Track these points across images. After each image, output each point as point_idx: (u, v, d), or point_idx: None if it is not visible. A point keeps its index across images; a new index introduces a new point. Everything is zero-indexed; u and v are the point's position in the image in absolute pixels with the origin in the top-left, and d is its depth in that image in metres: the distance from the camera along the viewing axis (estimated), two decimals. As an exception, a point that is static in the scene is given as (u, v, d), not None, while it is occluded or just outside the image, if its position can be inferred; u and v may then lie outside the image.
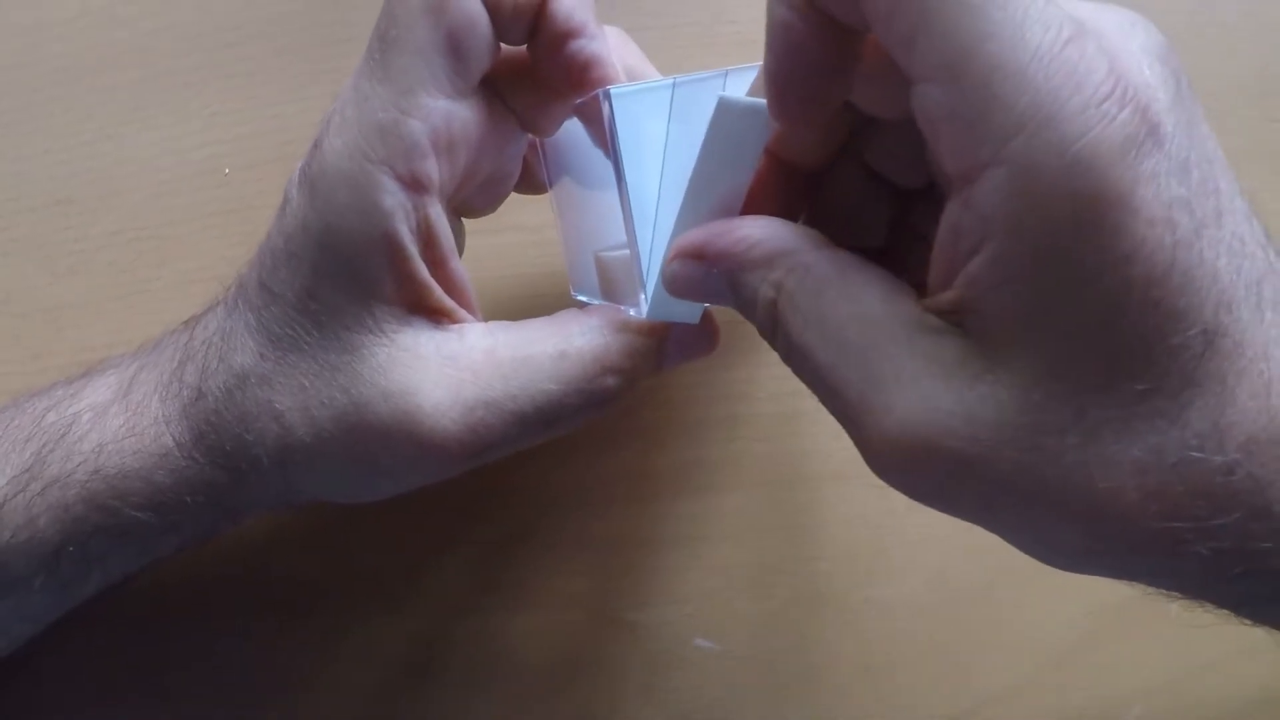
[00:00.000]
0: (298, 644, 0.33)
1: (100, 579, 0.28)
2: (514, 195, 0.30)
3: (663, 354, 0.27)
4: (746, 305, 0.22)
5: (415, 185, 0.24)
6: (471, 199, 0.28)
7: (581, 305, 0.28)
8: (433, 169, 0.24)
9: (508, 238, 0.34)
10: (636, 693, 0.33)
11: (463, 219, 0.29)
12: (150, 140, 0.35)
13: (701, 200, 0.23)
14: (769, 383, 0.34)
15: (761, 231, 0.22)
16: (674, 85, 0.24)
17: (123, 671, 0.33)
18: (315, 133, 0.25)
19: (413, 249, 0.24)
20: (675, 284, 0.23)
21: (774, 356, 0.22)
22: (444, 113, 0.24)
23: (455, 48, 0.23)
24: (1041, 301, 0.17)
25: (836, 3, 0.19)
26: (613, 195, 0.25)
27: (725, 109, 0.21)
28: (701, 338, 0.28)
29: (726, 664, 0.33)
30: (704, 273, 0.22)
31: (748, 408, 0.34)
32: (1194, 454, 0.17)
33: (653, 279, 0.25)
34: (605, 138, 0.25)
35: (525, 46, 0.25)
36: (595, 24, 0.25)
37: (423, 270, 0.24)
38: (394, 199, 0.23)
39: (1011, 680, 0.33)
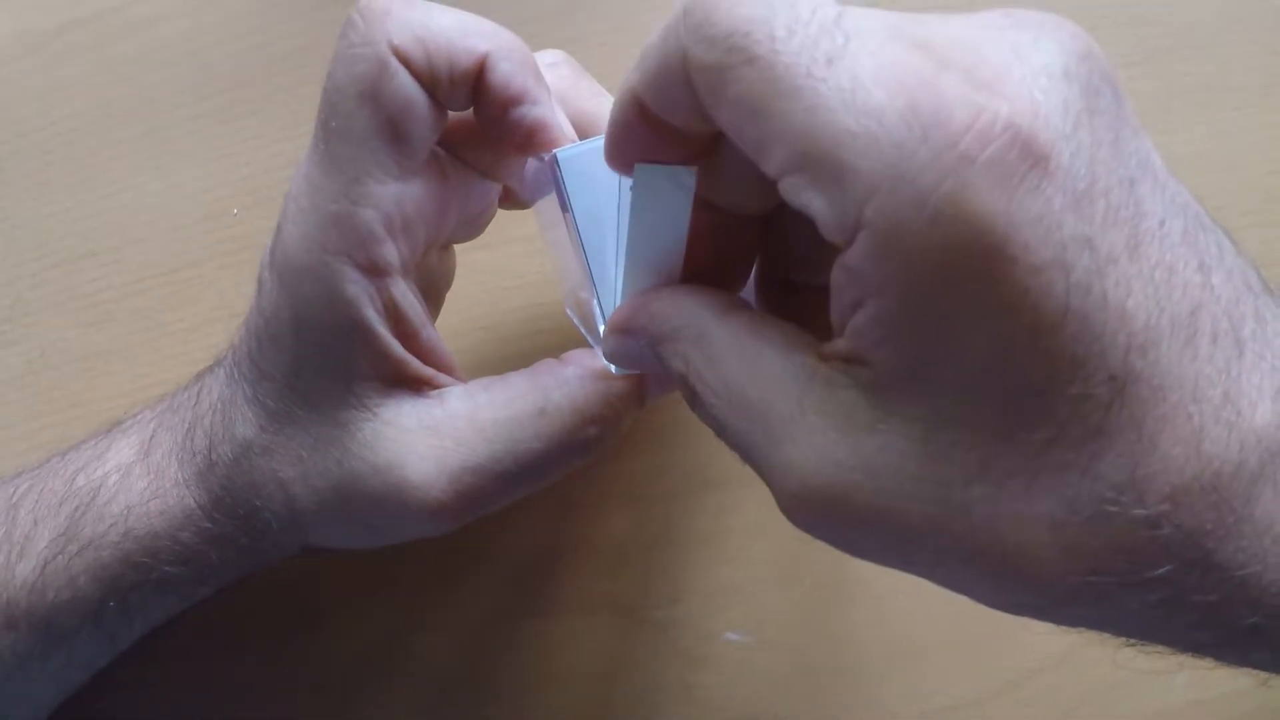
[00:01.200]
0: (328, 657, 0.34)
1: (143, 625, 0.29)
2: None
3: (643, 393, 0.27)
4: (671, 377, 0.22)
5: (375, 270, 0.24)
6: (455, 232, 0.29)
7: (572, 331, 0.28)
8: (390, 252, 0.24)
9: (508, 249, 0.34)
10: (672, 691, 0.33)
11: (451, 247, 0.30)
12: (162, 188, 0.37)
13: (639, 262, 0.23)
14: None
15: (666, 304, 0.22)
16: None
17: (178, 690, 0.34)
18: (278, 216, 0.26)
19: (382, 330, 0.25)
20: (615, 358, 0.23)
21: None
22: (394, 196, 0.24)
23: (395, 132, 0.23)
24: (924, 355, 0.16)
25: (678, 118, 0.19)
26: None
27: (644, 175, 0.21)
28: None
29: (759, 656, 0.33)
30: (636, 347, 0.22)
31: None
32: (1110, 507, 0.16)
33: None
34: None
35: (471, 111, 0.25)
36: (536, 84, 0.24)
37: (395, 347, 0.25)
38: (356, 286, 0.24)
39: (1049, 655, 0.32)
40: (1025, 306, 0.15)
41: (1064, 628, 0.19)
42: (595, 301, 0.25)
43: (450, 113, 0.25)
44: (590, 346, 0.27)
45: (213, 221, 0.36)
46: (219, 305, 0.36)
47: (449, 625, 0.34)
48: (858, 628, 0.33)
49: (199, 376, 0.29)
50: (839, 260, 0.17)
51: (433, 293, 0.30)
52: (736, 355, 0.20)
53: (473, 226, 0.29)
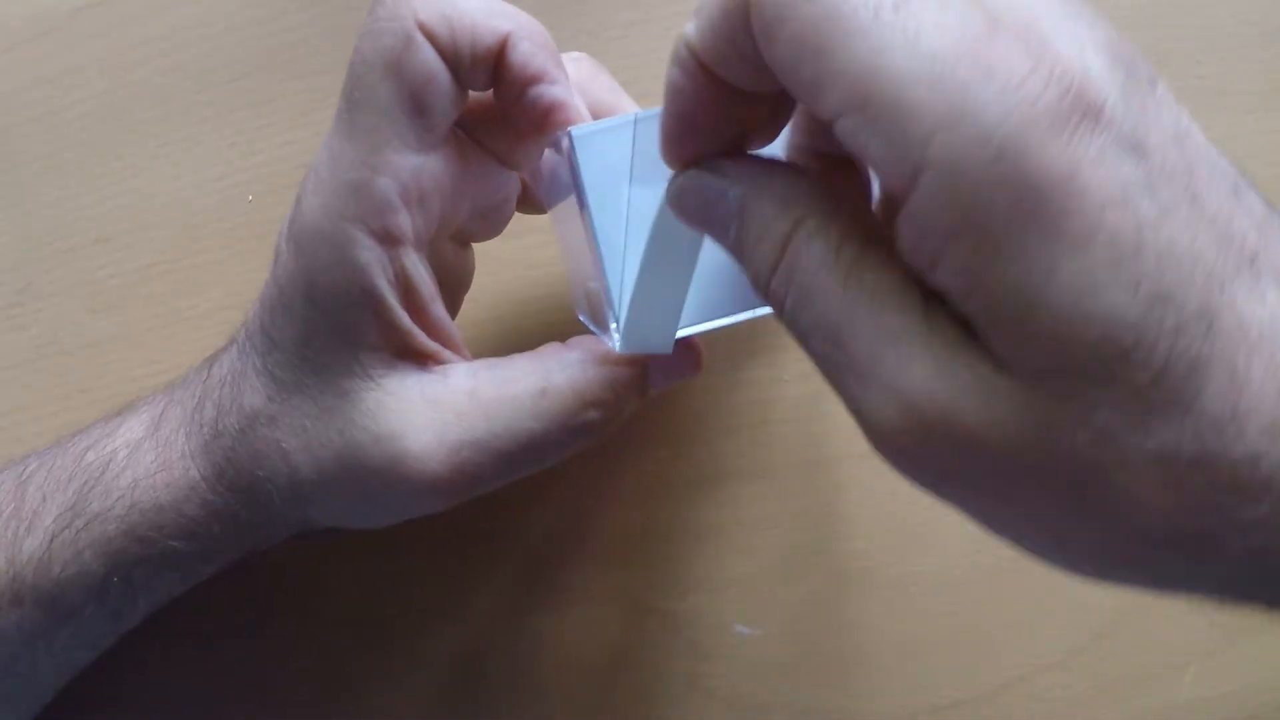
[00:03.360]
0: (339, 647, 0.34)
1: (147, 604, 0.29)
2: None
3: (645, 382, 0.27)
4: (750, 240, 0.20)
5: (389, 239, 0.24)
6: (471, 229, 0.29)
7: (582, 329, 0.28)
8: (405, 222, 0.25)
9: (526, 240, 0.34)
10: (680, 682, 0.33)
11: (470, 245, 0.30)
12: (175, 174, 0.37)
13: (661, 258, 0.23)
14: (794, 364, 0.34)
15: (781, 186, 0.20)
16: (635, 121, 0.24)
17: (173, 680, 0.34)
18: (294, 198, 0.26)
19: (392, 299, 0.25)
20: (682, 199, 0.22)
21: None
22: (412, 167, 0.24)
23: (417, 104, 0.24)
24: (1011, 302, 0.16)
25: (735, 71, 0.19)
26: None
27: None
28: (684, 360, 0.28)
29: (767, 649, 0.33)
30: (718, 191, 0.21)
31: (774, 391, 0.34)
32: (1212, 444, 0.16)
33: (624, 313, 0.25)
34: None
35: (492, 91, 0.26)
36: (555, 66, 0.25)
37: (403, 318, 0.25)
38: (370, 254, 0.24)
39: (1059, 650, 0.32)
40: (1101, 240, 0.16)
41: (1138, 594, 0.18)
42: (604, 289, 0.25)
43: (471, 94, 0.25)
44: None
45: (227, 209, 0.36)
46: (232, 292, 0.36)
47: (459, 614, 0.34)
48: (866, 621, 0.33)
49: (210, 357, 0.29)
50: (904, 212, 0.17)
51: (449, 289, 0.30)
52: (835, 274, 0.19)
53: (490, 223, 0.29)
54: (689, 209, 0.22)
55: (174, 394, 0.29)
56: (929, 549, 0.33)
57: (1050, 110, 0.16)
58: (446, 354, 0.26)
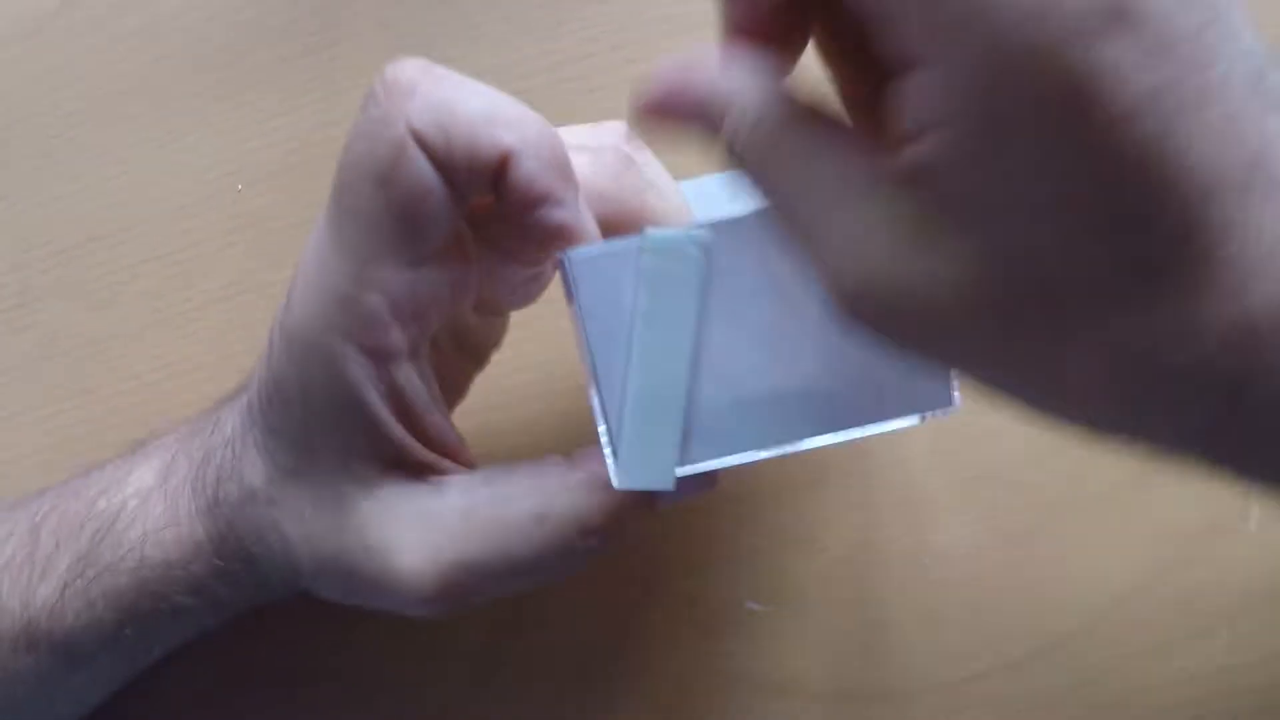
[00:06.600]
0: (359, 637, 0.34)
1: (161, 650, 0.29)
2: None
3: (652, 507, 0.25)
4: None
5: (379, 354, 0.23)
6: (501, 301, 0.27)
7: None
8: (396, 338, 0.24)
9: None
10: (692, 659, 0.32)
11: (504, 314, 0.29)
12: (164, 168, 0.36)
13: (656, 385, 0.23)
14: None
15: (729, 71, 0.20)
16: (640, 248, 0.23)
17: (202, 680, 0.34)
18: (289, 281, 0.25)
19: (384, 414, 0.24)
20: (648, 111, 0.21)
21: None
22: (404, 282, 0.23)
23: (409, 218, 0.22)
24: (993, 188, 0.16)
25: None
26: None
27: (652, 254, 0.21)
28: (695, 486, 0.26)
29: (779, 624, 0.32)
30: (681, 106, 0.20)
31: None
32: (1167, 345, 0.17)
33: (622, 447, 0.24)
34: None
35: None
36: (563, 184, 0.23)
37: (396, 430, 0.24)
38: (360, 370, 0.23)
39: (1084, 617, 0.31)
40: (1106, 150, 0.16)
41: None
42: (600, 419, 0.24)
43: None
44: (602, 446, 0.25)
45: (217, 199, 0.36)
46: (227, 283, 0.36)
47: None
48: (881, 595, 0.32)
49: (220, 403, 0.29)
50: (904, 82, 0.17)
51: (473, 353, 0.29)
52: (792, 149, 0.19)
53: (524, 294, 0.28)
54: (657, 104, 0.21)
55: (183, 442, 0.28)
56: (946, 515, 0.32)
57: (1074, 15, 0.15)
58: (445, 463, 0.26)
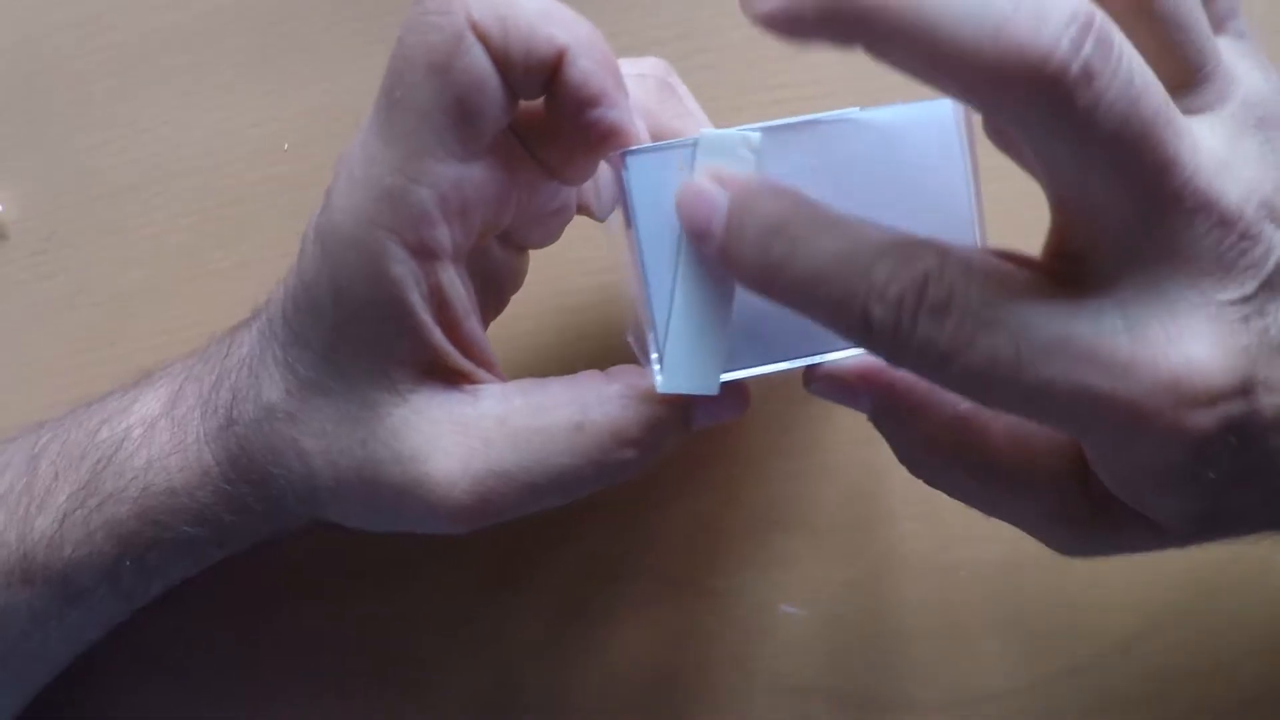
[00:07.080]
0: (394, 627, 0.33)
1: (160, 586, 0.28)
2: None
3: (688, 422, 0.25)
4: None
5: (424, 252, 0.23)
6: (523, 235, 0.27)
7: (628, 353, 0.27)
8: (442, 235, 0.23)
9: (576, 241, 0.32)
10: (725, 661, 0.32)
11: (525, 251, 0.28)
12: (208, 123, 0.35)
13: (705, 292, 0.22)
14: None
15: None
16: (696, 144, 0.22)
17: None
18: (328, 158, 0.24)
19: (424, 315, 0.23)
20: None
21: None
22: (453, 178, 0.23)
23: (463, 110, 0.22)
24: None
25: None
26: None
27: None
28: (731, 401, 0.26)
29: (813, 629, 0.32)
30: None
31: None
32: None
33: (667, 350, 0.23)
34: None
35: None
36: (615, 86, 0.23)
37: (436, 335, 0.24)
38: (403, 267, 0.23)
39: (1111, 642, 0.31)
40: None
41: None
42: (648, 322, 0.24)
43: (521, 102, 0.23)
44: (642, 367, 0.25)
45: (261, 158, 0.35)
46: (264, 245, 0.35)
47: (503, 597, 0.33)
48: (915, 605, 0.32)
49: (233, 329, 0.28)
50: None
51: (494, 291, 0.28)
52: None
53: (545, 231, 0.27)
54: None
55: (192, 369, 0.28)
56: (981, 530, 0.32)
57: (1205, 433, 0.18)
58: (480, 373, 0.25)
